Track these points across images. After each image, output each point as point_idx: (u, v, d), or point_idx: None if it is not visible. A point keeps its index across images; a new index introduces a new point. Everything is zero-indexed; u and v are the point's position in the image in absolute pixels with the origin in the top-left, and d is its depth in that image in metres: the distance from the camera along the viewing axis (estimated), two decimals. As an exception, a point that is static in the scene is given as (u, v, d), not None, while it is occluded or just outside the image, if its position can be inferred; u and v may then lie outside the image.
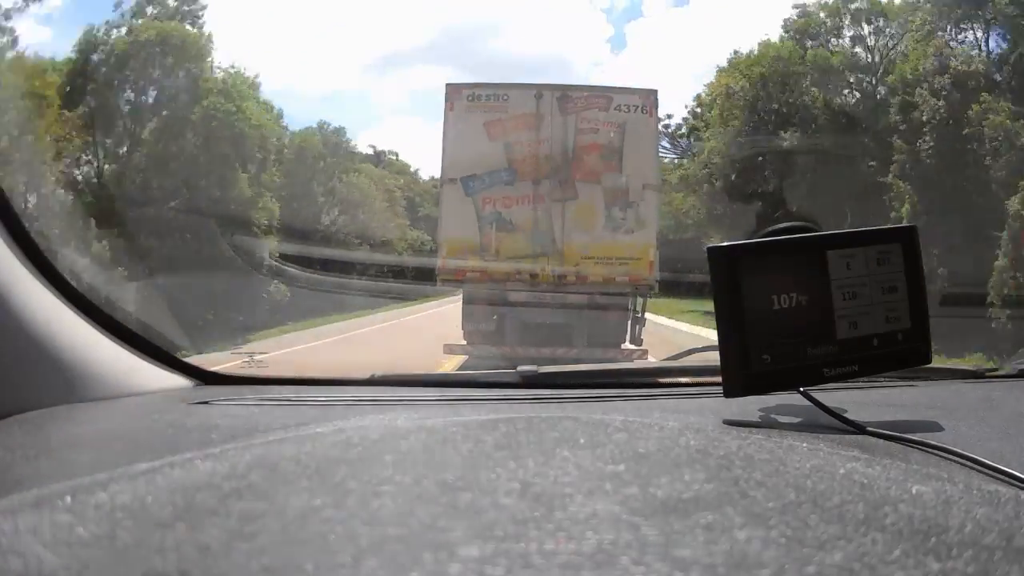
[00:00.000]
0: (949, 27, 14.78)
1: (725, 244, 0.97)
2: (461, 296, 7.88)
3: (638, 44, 56.46)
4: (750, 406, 1.07)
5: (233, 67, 17.34)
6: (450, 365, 7.04)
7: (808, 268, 0.96)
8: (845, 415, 0.99)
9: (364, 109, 56.20)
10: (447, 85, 7.72)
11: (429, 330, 10.61)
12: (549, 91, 7.63)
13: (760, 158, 17.46)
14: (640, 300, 7.71)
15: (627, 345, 7.64)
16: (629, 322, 7.72)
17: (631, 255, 7.42)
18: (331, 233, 19.47)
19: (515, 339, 7.32)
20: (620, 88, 8.52)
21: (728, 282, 0.95)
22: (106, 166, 15.49)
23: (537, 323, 7.45)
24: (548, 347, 6.94)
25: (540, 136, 7.51)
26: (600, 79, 57.59)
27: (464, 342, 7.59)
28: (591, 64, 58.49)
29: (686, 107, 23.41)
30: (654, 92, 7.87)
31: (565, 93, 7.66)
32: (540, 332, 7.35)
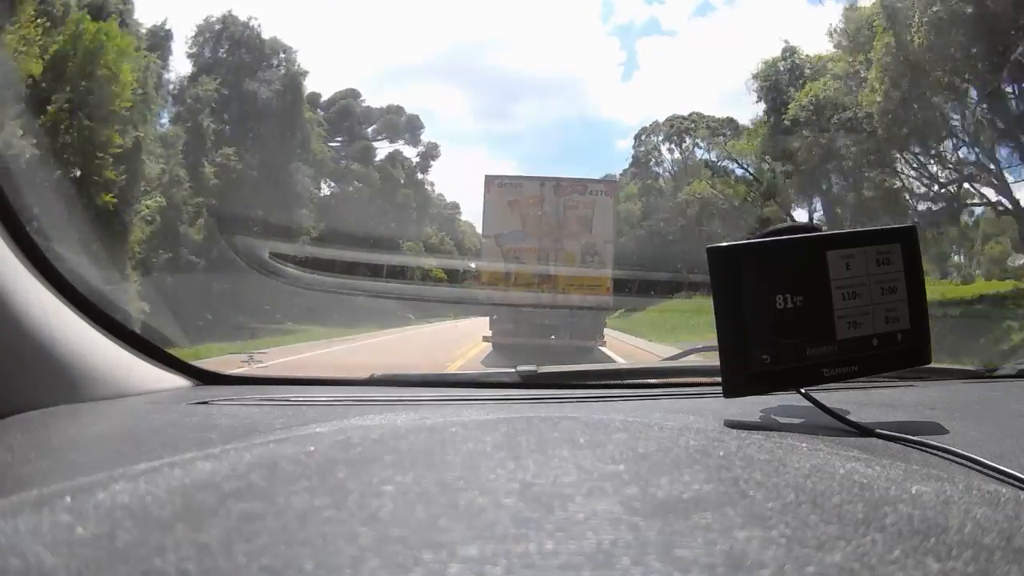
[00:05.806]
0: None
1: (725, 244, 0.97)
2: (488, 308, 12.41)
3: (653, 60, 56.63)
4: (750, 406, 1.07)
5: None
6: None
7: (808, 268, 0.96)
8: (845, 415, 0.99)
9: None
10: (486, 176, 12.25)
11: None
12: (549, 182, 12.15)
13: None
14: (603, 313, 12.32)
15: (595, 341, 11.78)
16: (596, 325, 12.03)
17: (596, 284, 11.89)
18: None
19: (524, 333, 11.26)
20: (592, 180, 14.62)
21: (728, 282, 0.95)
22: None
23: (538, 323, 11.61)
24: (545, 338, 11.23)
25: (542, 210, 11.96)
26: (612, 95, 57.98)
27: (491, 334, 11.70)
28: (603, 82, 58.53)
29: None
30: (614, 181, 12.60)
31: (559, 183, 12.17)
32: (540, 328, 11.51)
